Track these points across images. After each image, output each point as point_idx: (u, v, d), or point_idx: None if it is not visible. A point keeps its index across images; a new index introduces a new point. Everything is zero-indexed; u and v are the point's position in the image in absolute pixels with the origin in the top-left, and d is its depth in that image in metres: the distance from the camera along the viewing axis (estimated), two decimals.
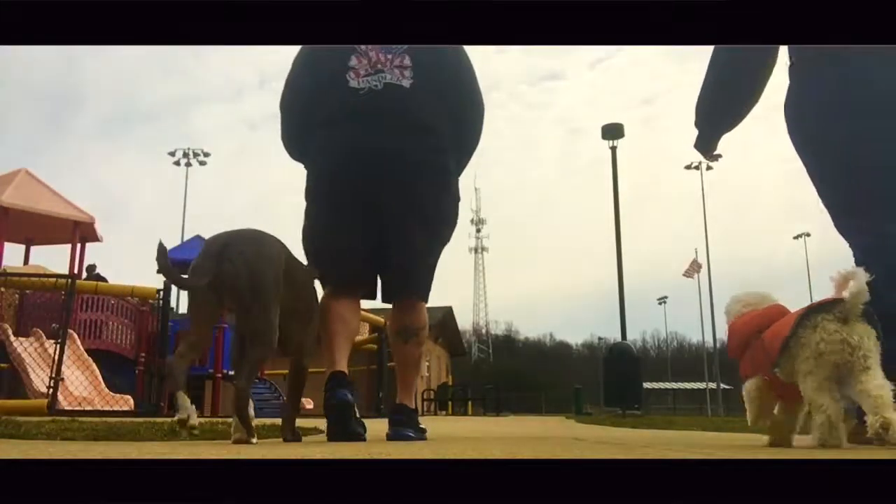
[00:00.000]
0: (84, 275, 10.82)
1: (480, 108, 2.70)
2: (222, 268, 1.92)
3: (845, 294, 1.63)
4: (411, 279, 2.56)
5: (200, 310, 2.04)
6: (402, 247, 2.49)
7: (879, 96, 2.07)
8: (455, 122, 2.59)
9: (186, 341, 2.10)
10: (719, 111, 2.45)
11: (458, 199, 2.67)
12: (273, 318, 2.03)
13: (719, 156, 2.56)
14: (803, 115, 2.25)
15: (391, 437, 2.43)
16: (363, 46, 2.50)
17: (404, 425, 2.45)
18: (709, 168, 35.33)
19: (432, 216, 2.55)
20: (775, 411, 1.89)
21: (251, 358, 2.04)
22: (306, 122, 2.59)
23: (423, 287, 2.59)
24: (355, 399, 2.33)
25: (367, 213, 2.47)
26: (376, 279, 2.61)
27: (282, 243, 2.19)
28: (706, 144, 2.52)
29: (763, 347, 1.80)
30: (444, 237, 2.65)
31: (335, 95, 2.49)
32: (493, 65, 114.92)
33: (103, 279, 11.08)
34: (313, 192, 2.59)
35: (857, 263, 2.01)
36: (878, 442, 1.52)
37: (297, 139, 2.68)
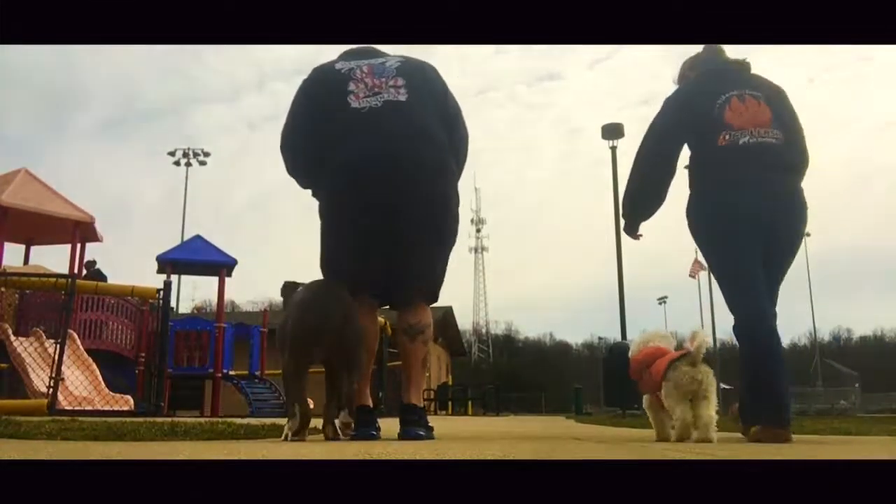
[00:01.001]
0: (83, 271, 10.81)
1: (462, 117, 2.88)
2: (330, 322, 2.34)
3: (691, 347, 2.50)
4: (424, 280, 2.69)
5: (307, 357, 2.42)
6: (416, 249, 2.62)
7: (737, 219, 2.81)
8: (448, 131, 2.75)
9: (302, 386, 2.44)
10: (638, 211, 3.14)
11: (459, 201, 2.77)
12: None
13: (641, 235, 3.21)
14: (694, 226, 3.01)
15: (402, 436, 2.50)
16: (358, 73, 2.70)
17: (415, 424, 2.53)
18: None
19: (442, 216, 2.66)
20: (676, 415, 2.55)
21: (351, 389, 2.43)
22: (312, 149, 2.74)
23: (435, 287, 2.73)
24: (378, 431, 2.52)
25: (381, 219, 2.57)
26: (390, 283, 2.70)
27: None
28: (632, 231, 3.21)
29: (651, 377, 2.67)
30: (452, 238, 2.76)
31: (339, 117, 2.64)
32: (491, 65, 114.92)
33: (103, 275, 11.07)
34: (329, 208, 2.71)
35: (734, 328, 2.86)
36: (702, 439, 2.44)
37: (305, 166, 2.84)
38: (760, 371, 2.74)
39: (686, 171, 2.99)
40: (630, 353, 2.89)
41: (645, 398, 2.83)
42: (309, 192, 2.89)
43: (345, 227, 2.64)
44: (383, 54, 2.86)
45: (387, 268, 2.63)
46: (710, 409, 2.44)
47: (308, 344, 2.34)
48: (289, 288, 2.85)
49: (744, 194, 2.79)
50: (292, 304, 2.48)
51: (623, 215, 3.20)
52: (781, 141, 2.84)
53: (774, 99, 2.96)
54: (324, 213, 2.74)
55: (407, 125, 2.61)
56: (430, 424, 2.65)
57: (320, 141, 2.70)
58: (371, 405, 2.66)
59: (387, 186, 2.54)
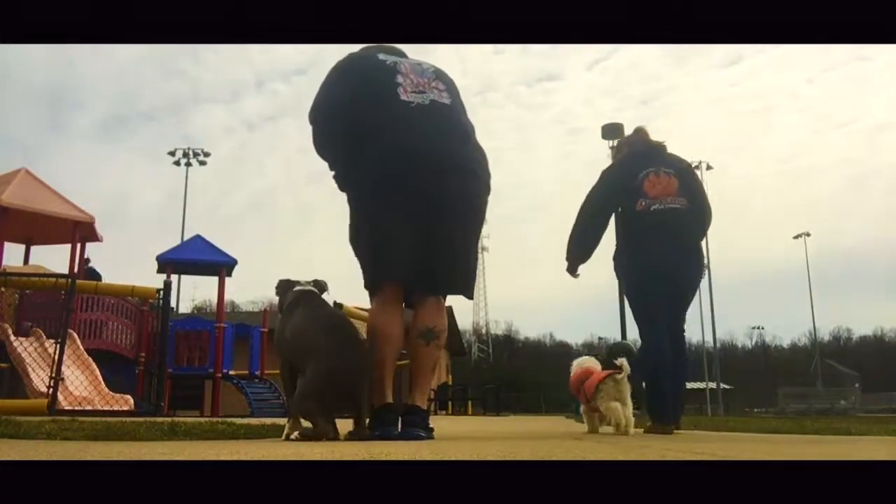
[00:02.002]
0: (83, 270, 10.81)
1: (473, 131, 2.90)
2: (353, 381, 2.43)
3: (619, 370, 3.41)
4: (453, 275, 2.70)
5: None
6: (458, 243, 2.65)
7: (646, 273, 3.76)
8: (475, 141, 2.81)
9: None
10: (578, 256, 3.95)
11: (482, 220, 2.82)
12: None
13: (579, 275, 4.02)
14: (617, 271, 4.02)
15: (403, 436, 2.52)
16: (403, 68, 2.71)
17: (416, 426, 2.54)
18: (709, 168, 35.39)
19: (479, 218, 2.72)
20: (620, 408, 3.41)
21: (364, 431, 2.47)
22: (354, 131, 2.66)
23: (471, 281, 2.77)
24: (397, 428, 2.54)
25: (427, 211, 2.58)
26: (428, 272, 2.66)
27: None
28: (573, 271, 4.01)
29: (585, 391, 3.58)
30: (477, 240, 2.81)
31: (387, 107, 2.62)
32: (491, 66, 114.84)
33: (97, 274, 11.05)
34: (371, 193, 2.63)
35: (639, 351, 4.07)
36: (623, 433, 3.26)
37: (340, 145, 2.73)
38: (653, 384, 3.75)
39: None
40: (571, 372, 3.87)
41: (583, 408, 3.88)
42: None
43: (390, 215, 2.58)
44: (417, 60, 2.88)
45: (426, 257, 2.60)
46: (628, 411, 3.41)
47: (329, 397, 2.39)
48: (284, 286, 2.86)
49: (653, 254, 3.74)
50: (313, 341, 2.49)
51: (566, 258, 4.00)
52: (685, 206, 3.78)
53: (682, 173, 3.92)
54: (362, 200, 2.68)
55: (454, 127, 2.68)
56: (430, 426, 2.68)
57: (362, 119, 2.64)
58: (391, 402, 2.66)
59: (438, 181, 2.55)
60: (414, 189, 2.55)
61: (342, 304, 7.69)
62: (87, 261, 11.37)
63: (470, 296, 2.82)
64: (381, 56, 2.76)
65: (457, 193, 2.59)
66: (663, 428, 3.60)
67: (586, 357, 3.98)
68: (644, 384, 3.84)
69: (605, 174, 3.98)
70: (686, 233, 3.81)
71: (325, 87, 2.75)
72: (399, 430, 2.53)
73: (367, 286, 2.70)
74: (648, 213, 3.74)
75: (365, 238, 2.66)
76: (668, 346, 3.71)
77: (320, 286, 2.87)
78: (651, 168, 3.84)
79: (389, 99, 2.62)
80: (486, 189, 2.74)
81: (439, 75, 2.80)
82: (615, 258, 3.97)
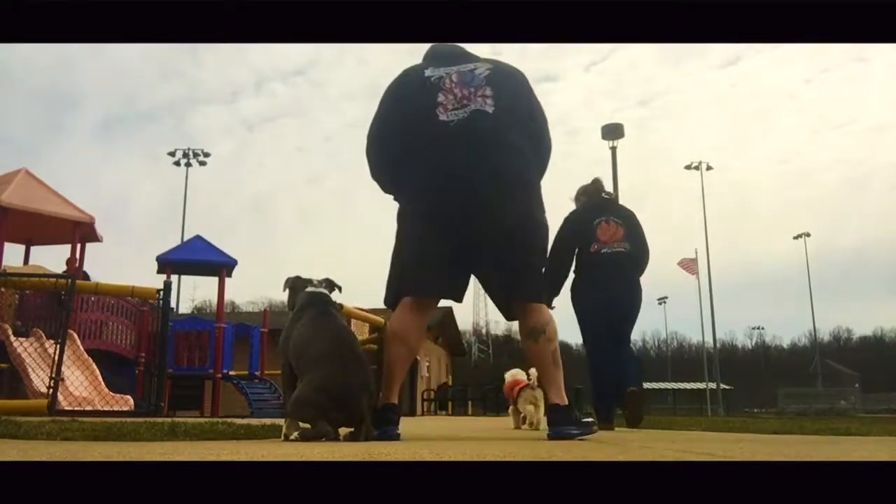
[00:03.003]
0: (64, 267, 10.79)
1: (547, 127, 2.94)
2: (353, 396, 2.45)
3: (533, 381, 4.61)
4: (528, 283, 2.73)
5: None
6: (513, 256, 2.68)
7: (596, 307, 4.75)
8: (533, 141, 2.82)
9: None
10: (551, 289, 4.43)
11: (544, 208, 2.82)
12: None
13: (554, 307, 4.47)
14: (573, 303, 4.85)
15: (552, 436, 2.59)
16: (447, 83, 2.73)
17: (562, 423, 2.60)
18: (709, 168, 35.42)
19: (523, 227, 2.71)
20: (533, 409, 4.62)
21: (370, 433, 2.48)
22: (397, 155, 2.79)
23: (538, 288, 2.79)
24: (397, 429, 2.64)
25: (461, 232, 2.64)
26: (461, 290, 2.82)
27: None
28: (549, 303, 4.11)
29: (514, 396, 4.88)
30: (543, 243, 2.81)
31: (426, 129, 2.70)
32: None
33: (86, 274, 11.02)
34: (409, 214, 2.77)
35: (588, 369, 4.84)
36: (535, 429, 4.45)
37: (389, 171, 2.88)
38: (597, 392, 4.80)
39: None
40: (506, 380, 5.27)
41: (511, 409, 5.15)
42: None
43: (420, 240, 2.69)
44: (473, 58, 2.87)
45: (455, 275, 2.73)
46: (540, 413, 4.41)
47: (327, 409, 2.40)
48: (295, 283, 2.86)
49: (602, 289, 4.69)
50: (317, 353, 2.53)
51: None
52: (629, 250, 4.77)
53: (628, 221, 4.87)
54: (401, 221, 2.81)
55: (492, 139, 2.67)
56: (586, 420, 2.71)
57: (403, 148, 2.76)
58: (396, 402, 2.71)
59: (467, 201, 2.61)
60: (449, 208, 2.62)
61: (342, 304, 7.69)
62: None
63: (536, 300, 2.81)
64: (429, 72, 2.80)
65: (495, 205, 2.62)
66: (605, 426, 4.34)
67: (516, 370, 5.19)
68: (593, 392, 4.89)
69: (567, 221, 4.87)
70: (628, 272, 4.82)
71: (377, 111, 2.88)
72: (572, 428, 2.60)
73: (387, 302, 2.80)
74: (599, 254, 4.72)
75: (397, 257, 2.79)
76: (610, 362, 4.72)
77: (332, 285, 2.87)
78: (603, 217, 4.81)
79: (428, 120, 2.69)
80: (525, 193, 2.73)
81: (492, 79, 2.76)
82: (572, 290, 4.81)
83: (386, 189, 2.94)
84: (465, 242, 2.65)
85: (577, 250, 4.76)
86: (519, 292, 2.74)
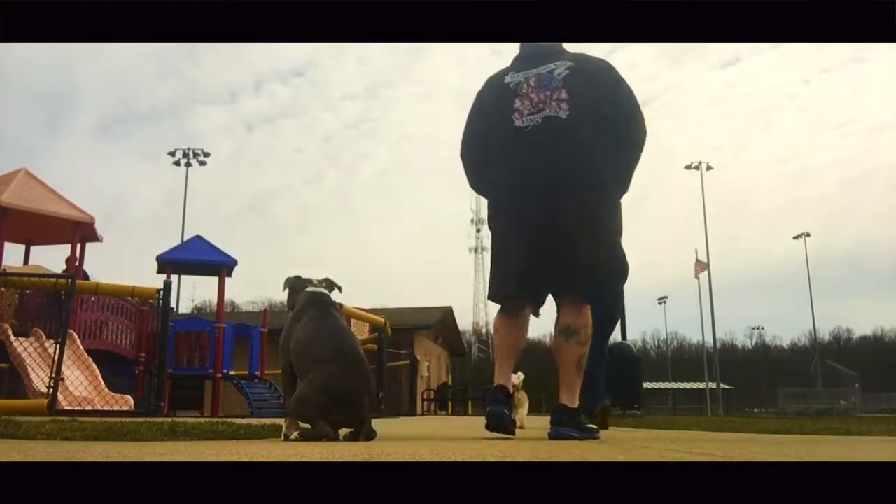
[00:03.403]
0: (64, 266, 10.79)
1: (636, 117, 2.91)
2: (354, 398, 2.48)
3: (517, 382, 4.60)
4: (576, 279, 2.76)
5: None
6: (568, 252, 2.72)
7: None
8: (609, 138, 2.81)
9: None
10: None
11: (618, 208, 2.92)
12: None
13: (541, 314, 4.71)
14: None
15: (552, 435, 2.61)
16: (524, 88, 2.85)
17: (564, 424, 2.62)
18: (709, 168, 35.44)
19: (594, 222, 2.74)
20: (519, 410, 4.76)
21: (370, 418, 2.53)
22: (483, 162, 2.99)
23: (586, 286, 2.80)
24: (510, 410, 2.77)
25: (536, 232, 2.73)
26: (543, 292, 2.88)
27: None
28: (536, 315, 4.86)
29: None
30: (608, 242, 2.83)
31: (503, 135, 2.85)
32: (487, 68, 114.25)
33: (86, 275, 11.02)
34: (493, 219, 2.96)
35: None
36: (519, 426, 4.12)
37: (478, 177, 3.08)
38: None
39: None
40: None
41: None
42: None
43: (504, 237, 2.87)
44: (556, 54, 2.90)
45: (535, 277, 2.78)
46: (522, 411, 5.01)
47: (328, 409, 2.41)
48: (295, 283, 2.87)
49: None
50: (318, 355, 2.54)
51: None
52: None
53: None
54: (490, 221, 2.99)
55: (563, 142, 2.75)
56: (591, 426, 2.78)
57: (485, 153, 2.95)
58: (576, 405, 2.73)
59: (541, 202, 2.72)
60: (524, 208, 2.75)
61: (342, 304, 7.69)
62: (75, 260, 11.27)
63: (582, 297, 2.84)
64: (508, 78, 2.93)
65: (564, 205, 2.70)
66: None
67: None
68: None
69: None
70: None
71: (465, 128, 3.08)
72: (573, 431, 2.63)
73: (489, 298, 3.00)
74: None
75: (491, 257, 2.97)
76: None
77: (332, 285, 2.87)
78: None
79: (505, 127, 2.84)
80: (601, 193, 2.79)
81: (569, 80, 2.81)
82: None
83: (477, 191, 3.15)
84: (536, 237, 2.74)
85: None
86: (565, 287, 2.79)
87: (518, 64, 2.96)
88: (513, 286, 2.81)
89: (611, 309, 4.01)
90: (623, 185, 2.98)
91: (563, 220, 2.70)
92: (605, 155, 2.79)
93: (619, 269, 2.97)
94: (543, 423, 5.61)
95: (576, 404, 2.70)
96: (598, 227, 2.75)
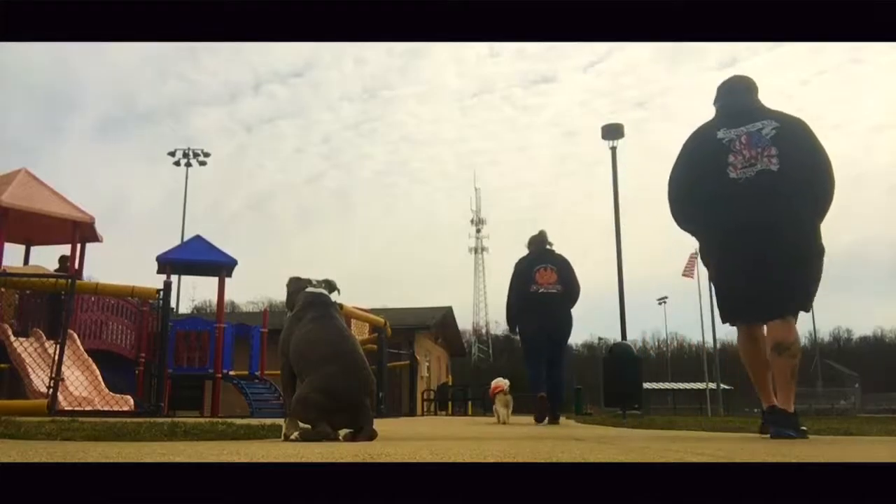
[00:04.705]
0: (56, 265, 10.78)
1: (828, 170, 3.33)
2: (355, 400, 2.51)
3: (505, 386, 6.54)
4: (783, 301, 3.16)
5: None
6: (778, 277, 3.15)
7: (533, 332, 6.76)
8: (812, 187, 3.23)
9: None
10: (513, 323, 6.72)
11: (821, 249, 3.25)
12: None
13: (517, 335, 6.76)
14: (518, 332, 6.94)
15: (774, 434, 2.94)
16: (737, 145, 3.27)
17: (783, 425, 2.95)
18: None
19: (798, 256, 3.17)
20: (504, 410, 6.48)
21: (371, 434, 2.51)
22: (694, 204, 3.40)
23: (790, 306, 3.17)
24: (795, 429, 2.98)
25: (751, 266, 3.18)
26: (763, 314, 3.24)
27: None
28: (512, 330, 6.83)
29: (493, 397, 6.77)
30: (811, 271, 3.23)
31: (719, 185, 3.26)
32: (486, 68, 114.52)
33: (70, 270, 10.98)
34: (711, 255, 3.43)
35: (528, 377, 6.62)
36: (503, 423, 6.26)
37: (686, 216, 3.52)
38: (532, 396, 6.42)
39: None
40: (492, 385, 6.67)
41: (494, 406, 6.75)
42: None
43: (724, 273, 3.33)
44: (759, 112, 3.36)
45: (757, 300, 3.21)
46: (508, 412, 6.24)
47: (330, 410, 2.43)
48: (295, 284, 2.87)
49: (537, 320, 6.48)
50: (319, 356, 2.54)
51: (507, 323, 6.91)
52: (560, 291, 6.53)
53: (561, 267, 6.62)
54: (703, 255, 3.50)
55: (775, 193, 3.17)
56: (802, 427, 3.02)
57: (698, 199, 3.36)
58: (792, 410, 3.02)
59: (756, 244, 3.17)
60: (742, 250, 3.19)
61: (342, 304, 7.69)
62: (66, 259, 11.25)
63: (807, 309, 3.26)
64: (721, 134, 3.34)
65: (777, 247, 3.14)
66: (539, 421, 6.29)
67: (500, 378, 6.69)
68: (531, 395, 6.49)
69: (515, 268, 6.74)
70: (559, 308, 6.54)
71: (676, 165, 3.49)
72: (791, 431, 2.90)
73: (723, 322, 3.45)
74: (537, 294, 6.49)
75: (714, 287, 3.46)
76: (543, 373, 6.39)
77: (331, 286, 2.87)
78: (542, 265, 6.58)
79: (720, 178, 3.25)
80: (804, 236, 3.19)
81: (776, 139, 3.23)
82: (518, 319, 6.66)
83: (682, 226, 3.57)
84: (753, 272, 3.18)
85: (521, 290, 6.54)
86: (777, 310, 3.16)
87: (726, 121, 3.38)
88: (739, 311, 3.29)
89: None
90: (819, 227, 3.38)
91: (775, 258, 3.13)
92: (809, 203, 3.21)
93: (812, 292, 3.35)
94: (526, 420, 6.87)
95: (791, 409, 3.03)
96: (804, 262, 3.17)
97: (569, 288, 6.54)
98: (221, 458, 1.56)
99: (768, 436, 3.04)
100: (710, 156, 3.32)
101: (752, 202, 3.18)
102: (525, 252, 6.86)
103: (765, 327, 3.24)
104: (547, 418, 6.32)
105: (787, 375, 3.07)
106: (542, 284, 6.47)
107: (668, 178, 3.55)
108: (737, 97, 3.46)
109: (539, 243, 6.77)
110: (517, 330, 6.68)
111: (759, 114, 3.36)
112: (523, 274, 6.58)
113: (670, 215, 3.60)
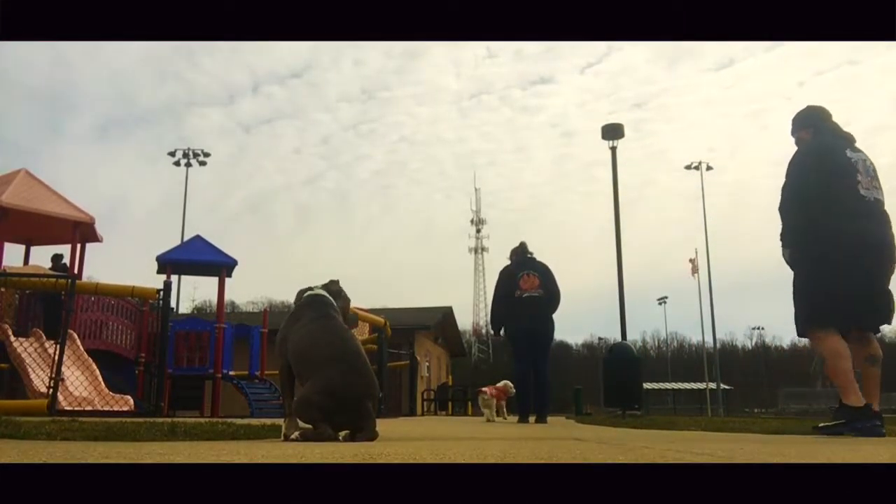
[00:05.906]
0: (49, 264, 10.77)
1: None
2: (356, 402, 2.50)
3: (489, 390, 7.65)
4: (889, 315, 3.63)
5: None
6: (890, 294, 3.65)
7: (518, 334, 7.28)
8: None
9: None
10: (497, 326, 7.25)
11: None
12: None
13: (501, 336, 7.29)
14: (506, 333, 7.38)
15: (867, 429, 3.35)
16: (860, 167, 3.71)
17: (877, 422, 3.43)
18: (709, 168, 35.46)
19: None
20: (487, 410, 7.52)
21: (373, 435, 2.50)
22: (817, 211, 3.67)
23: (890, 320, 3.66)
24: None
25: (875, 277, 3.59)
26: (875, 321, 3.70)
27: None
28: (496, 333, 7.30)
29: (493, 395, 7.66)
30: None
31: (850, 199, 3.65)
32: (484, 69, 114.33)
33: (64, 267, 10.97)
34: (832, 262, 3.65)
35: (514, 373, 7.26)
36: (490, 421, 7.29)
37: (810, 214, 3.71)
38: (519, 395, 7.02)
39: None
40: (491, 388, 7.52)
41: (491, 403, 7.50)
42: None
43: (852, 280, 3.58)
44: (853, 140, 3.84)
45: (868, 308, 3.63)
46: (492, 412, 7.29)
47: (331, 411, 2.42)
48: (300, 293, 2.87)
49: (522, 323, 6.90)
50: (320, 357, 2.54)
51: (492, 328, 7.39)
52: (542, 295, 6.99)
53: (543, 273, 7.09)
54: (818, 264, 3.70)
55: (885, 217, 3.70)
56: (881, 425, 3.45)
57: (822, 207, 3.65)
58: (863, 405, 3.46)
59: (882, 261, 3.62)
60: (871, 263, 3.58)
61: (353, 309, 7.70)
62: (60, 257, 11.17)
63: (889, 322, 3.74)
64: (849, 153, 3.73)
65: (892, 268, 3.62)
66: (523, 420, 6.70)
67: (503, 382, 7.53)
68: (515, 394, 7.18)
69: (500, 275, 7.28)
70: (541, 311, 6.99)
71: (802, 168, 3.77)
72: (872, 426, 3.38)
73: (801, 332, 3.79)
74: (521, 298, 6.95)
75: (811, 290, 3.71)
76: (529, 373, 6.88)
77: (332, 290, 2.86)
78: (524, 270, 7.06)
79: (852, 192, 3.64)
80: None
81: (875, 175, 3.75)
82: (504, 323, 7.11)
83: (791, 224, 3.78)
84: (865, 286, 3.57)
85: (506, 295, 7.04)
86: (876, 323, 3.68)
87: (843, 143, 3.80)
88: (854, 317, 3.60)
89: None
90: None
91: (889, 277, 3.59)
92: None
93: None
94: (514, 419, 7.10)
95: (877, 408, 3.51)
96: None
97: (550, 292, 7.05)
98: (221, 458, 1.56)
99: (834, 428, 3.48)
100: (843, 170, 3.69)
101: (880, 221, 3.68)
102: (507, 263, 7.41)
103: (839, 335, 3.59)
104: (533, 418, 6.76)
105: (877, 382, 3.62)
106: (526, 289, 6.96)
107: (792, 176, 3.78)
108: (835, 125, 3.91)
109: (521, 253, 7.32)
110: (503, 333, 7.17)
111: (853, 141, 3.84)
112: (508, 280, 7.09)
113: (784, 207, 3.81)
